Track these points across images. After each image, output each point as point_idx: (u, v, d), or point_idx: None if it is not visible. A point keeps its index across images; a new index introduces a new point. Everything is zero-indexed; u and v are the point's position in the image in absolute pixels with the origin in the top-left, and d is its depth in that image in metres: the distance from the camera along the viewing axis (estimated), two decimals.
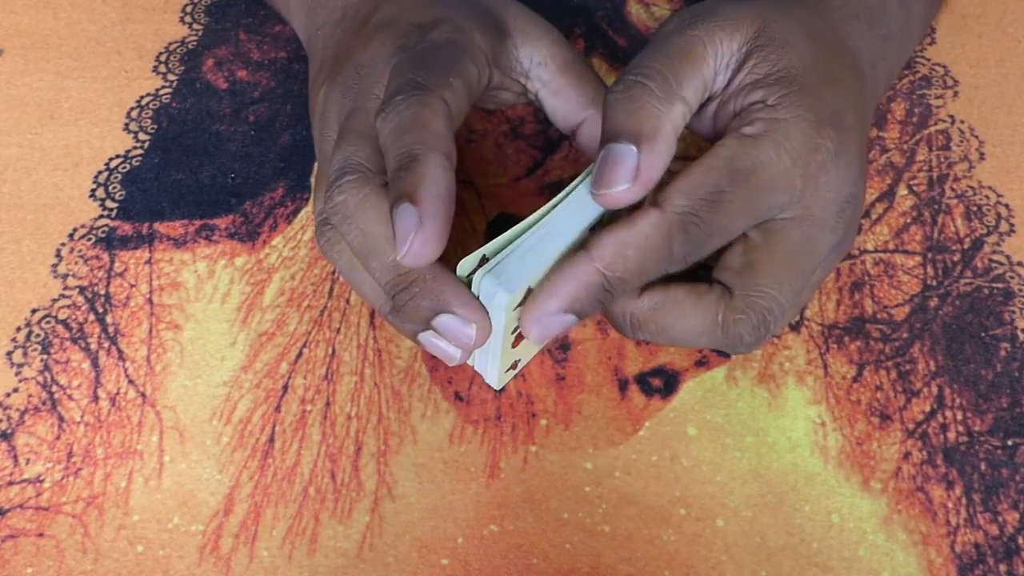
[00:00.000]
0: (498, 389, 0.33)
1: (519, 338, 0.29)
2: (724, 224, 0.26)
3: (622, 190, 0.26)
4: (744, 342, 0.28)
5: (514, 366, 0.31)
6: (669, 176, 0.27)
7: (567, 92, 0.33)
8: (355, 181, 0.27)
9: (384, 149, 0.27)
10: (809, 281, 0.29)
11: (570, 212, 0.27)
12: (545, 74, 0.33)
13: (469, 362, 0.30)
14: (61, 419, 0.33)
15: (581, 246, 0.26)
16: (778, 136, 0.27)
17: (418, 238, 0.25)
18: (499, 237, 0.27)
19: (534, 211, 0.27)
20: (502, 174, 0.39)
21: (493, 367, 0.29)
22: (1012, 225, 0.38)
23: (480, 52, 0.31)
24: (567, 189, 0.28)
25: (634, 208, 0.26)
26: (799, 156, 0.27)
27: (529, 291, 0.27)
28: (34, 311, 0.36)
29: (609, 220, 0.27)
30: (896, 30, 0.34)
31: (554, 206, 0.27)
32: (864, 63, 0.31)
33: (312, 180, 0.40)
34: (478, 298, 0.27)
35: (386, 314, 0.29)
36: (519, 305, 0.27)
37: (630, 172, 0.26)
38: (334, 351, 0.34)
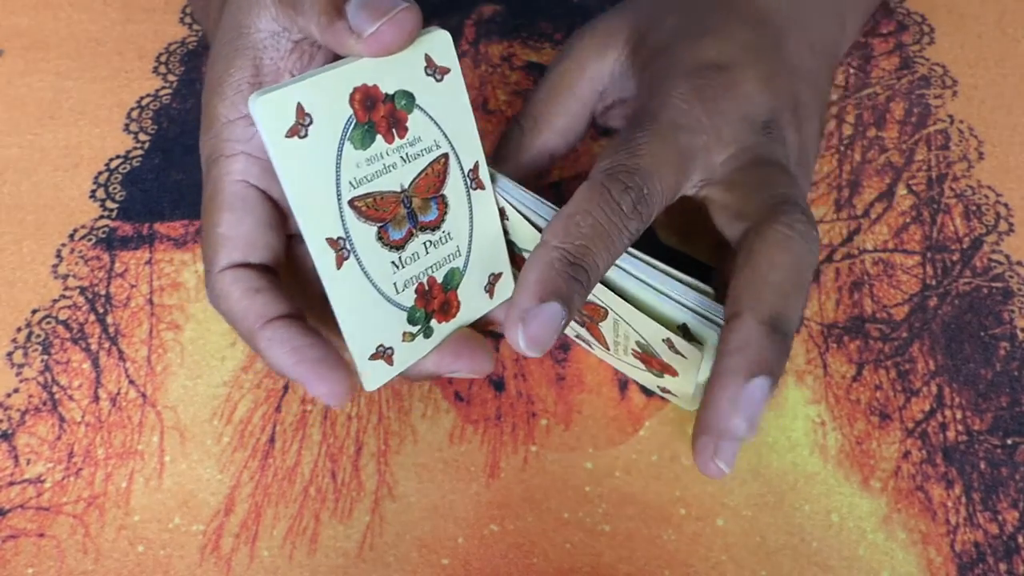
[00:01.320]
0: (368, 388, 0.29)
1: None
2: (649, 165, 0.27)
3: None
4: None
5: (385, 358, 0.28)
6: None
7: None
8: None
9: None
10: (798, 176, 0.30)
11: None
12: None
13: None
14: (62, 419, 0.33)
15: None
16: (664, 86, 0.29)
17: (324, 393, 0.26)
18: None
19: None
20: None
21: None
22: (1011, 224, 0.38)
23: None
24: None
25: None
26: (688, 96, 0.28)
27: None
28: (35, 311, 0.36)
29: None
30: None
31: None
32: (772, 8, 0.33)
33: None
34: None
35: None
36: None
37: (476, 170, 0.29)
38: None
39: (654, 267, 0.27)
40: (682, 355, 0.27)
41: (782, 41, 0.32)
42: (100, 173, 0.40)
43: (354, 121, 0.25)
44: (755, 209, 0.27)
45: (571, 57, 0.33)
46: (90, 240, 0.38)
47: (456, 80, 0.27)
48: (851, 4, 0.38)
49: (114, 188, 0.39)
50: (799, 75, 0.32)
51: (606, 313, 0.28)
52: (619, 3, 0.35)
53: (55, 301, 0.36)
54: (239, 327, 0.28)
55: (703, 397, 0.26)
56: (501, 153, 0.33)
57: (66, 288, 0.36)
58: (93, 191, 0.39)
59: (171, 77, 0.44)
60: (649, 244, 0.37)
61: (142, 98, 0.43)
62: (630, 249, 0.27)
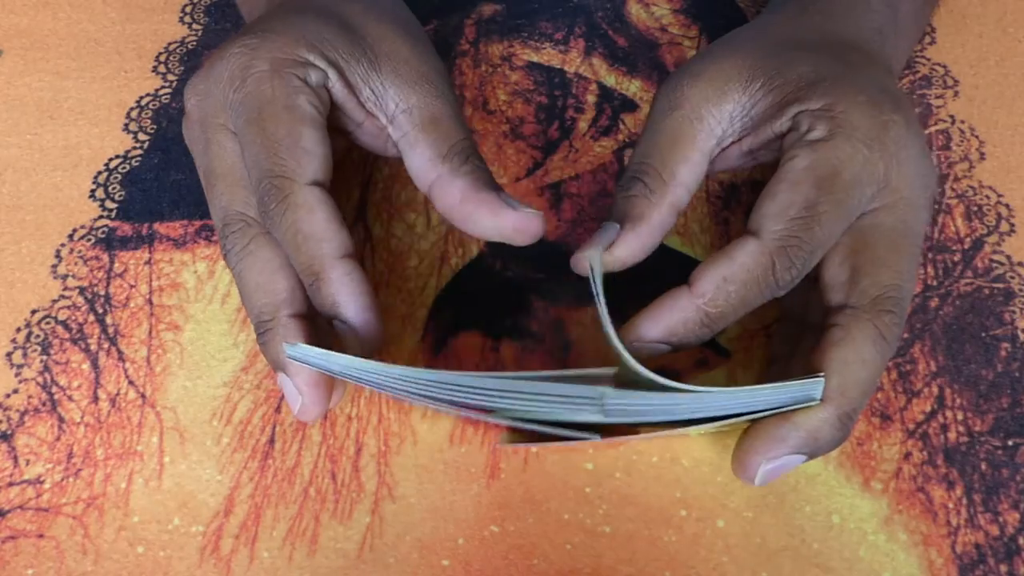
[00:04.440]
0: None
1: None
2: (823, 238, 0.26)
3: (589, 252, 0.28)
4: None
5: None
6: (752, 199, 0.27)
7: (422, 147, 0.30)
8: (237, 233, 0.29)
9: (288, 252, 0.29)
10: (916, 263, 0.28)
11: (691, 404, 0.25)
12: (407, 123, 0.31)
13: None
14: (61, 420, 0.33)
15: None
16: (846, 128, 0.27)
17: (362, 346, 0.28)
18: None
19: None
20: (502, 174, 0.39)
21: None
22: (1012, 225, 0.38)
23: (312, 68, 0.30)
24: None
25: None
26: (873, 141, 0.27)
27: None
28: (34, 312, 0.36)
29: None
30: (886, 27, 0.34)
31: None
32: (864, 48, 0.32)
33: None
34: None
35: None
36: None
37: (604, 241, 0.28)
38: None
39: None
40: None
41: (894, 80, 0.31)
42: (99, 173, 0.40)
43: None
44: (861, 294, 0.27)
45: (684, 106, 0.30)
46: (89, 240, 0.38)
47: None
48: (902, 60, 0.39)
49: (113, 188, 0.39)
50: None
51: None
52: (726, 41, 0.33)
53: (54, 301, 0.36)
54: (308, 250, 0.27)
55: (747, 430, 0.27)
56: (629, 213, 0.29)
57: (65, 288, 0.36)
58: (92, 191, 0.39)
59: (171, 77, 0.44)
60: None
61: (141, 98, 0.43)
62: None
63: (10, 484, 0.31)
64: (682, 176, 0.30)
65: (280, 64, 0.29)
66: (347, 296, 0.28)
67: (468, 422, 0.32)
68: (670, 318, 0.26)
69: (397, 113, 0.31)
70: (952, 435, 0.32)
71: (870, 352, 0.26)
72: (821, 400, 0.26)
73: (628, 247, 0.29)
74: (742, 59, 0.30)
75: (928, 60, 0.44)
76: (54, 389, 0.33)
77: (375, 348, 0.28)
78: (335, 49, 0.30)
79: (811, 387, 0.26)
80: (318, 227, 0.28)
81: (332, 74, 0.30)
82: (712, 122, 0.30)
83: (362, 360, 0.25)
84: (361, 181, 0.39)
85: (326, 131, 0.29)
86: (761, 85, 0.29)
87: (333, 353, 0.26)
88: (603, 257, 0.28)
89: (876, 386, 0.27)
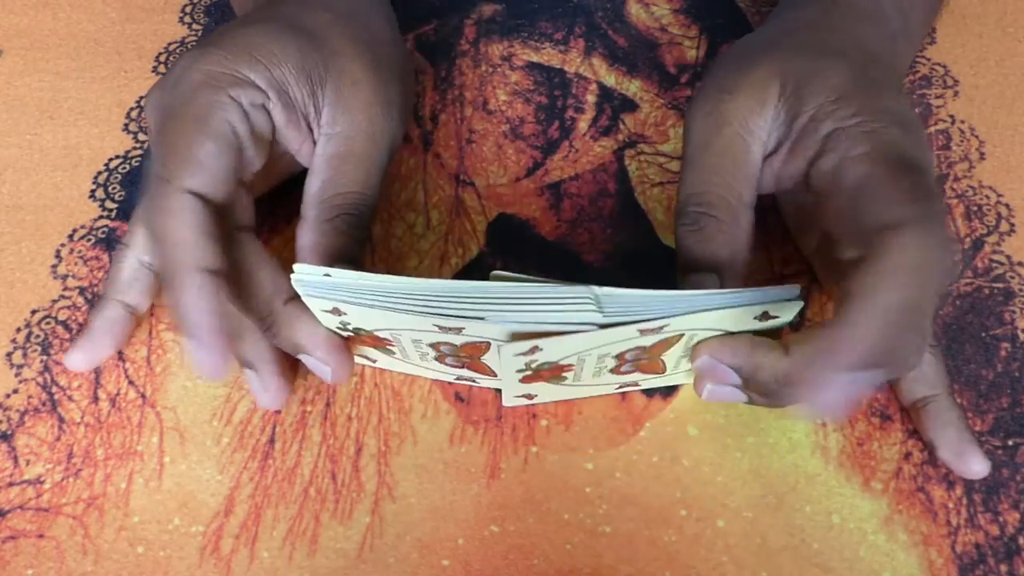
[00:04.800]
0: (506, 405, 0.33)
1: (532, 379, 0.29)
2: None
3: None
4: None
5: (528, 397, 0.32)
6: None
7: (315, 177, 0.31)
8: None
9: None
10: None
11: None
12: (321, 146, 0.31)
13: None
14: (61, 420, 0.33)
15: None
16: (866, 168, 0.26)
17: (205, 366, 0.27)
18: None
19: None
20: (502, 174, 0.39)
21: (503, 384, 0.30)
22: (1012, 225, 0.38)
23: (245, 85, 0.29)
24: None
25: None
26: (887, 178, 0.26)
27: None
28: (34, 312, 0.36)
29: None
30: (898, 32, 0.34)
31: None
32: (883, 59, 0.32)
33: None
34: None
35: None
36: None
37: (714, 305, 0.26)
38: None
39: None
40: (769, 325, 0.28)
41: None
42: (99, 173, 0.40)
43: None
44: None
45: (732, 122, 0.29)
46: (89, 240, 0.38)
47: None
48: (908, 65, 0.39)
49: (113, 188, 0.39)
50: None
51: (678, 338, 0.28)
52: (748, 49, 0.32)
53: (54, 301, 0.36)
54: (165, 252, 0.27)
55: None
56: (707, 251, 0.28)
57: (65, 288, 0.36)
58: (92, 191, 0.39)
59: None
60: (648, 244, 0.37)
61: (141, 98, 0.43)
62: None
63: (10, 484, 0.31)
64: (750, 198, 0.29)
65: (213, 77, 0.29)
66: (193, 309, 0.27)
67: (468, 422, 0.32)
68: (864, 332, 0.24)
69: (320, 133, 0.31)
70: None
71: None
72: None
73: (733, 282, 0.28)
74: (777, 67, 0.29)
75: (928, 60, 0.44)
76: (54, 389, 0.33)
77: (208, 371, 0.28)
78: (282, 65, 0.30)
79: (790, 289, 0.26)
80: (181, 234, 0.27)
81: (272, 95, 0.30)
82: (761, 134, 0.29)
83: (363, 274, 0.26)
84: None
85: (239, 151, 0.29)
86: (793, 91, 0.29)
87: (333, 270, 0.26)
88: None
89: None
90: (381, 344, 0.30)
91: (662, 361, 0.30)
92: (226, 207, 0.28)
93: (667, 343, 0.28)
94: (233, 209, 0.29)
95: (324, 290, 0.27)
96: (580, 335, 0.26)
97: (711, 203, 0.28)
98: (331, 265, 0.29)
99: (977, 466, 0.30)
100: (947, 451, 0.30)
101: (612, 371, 0.30)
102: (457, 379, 0.32)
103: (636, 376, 0.31)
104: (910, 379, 0.31)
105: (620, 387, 0.32)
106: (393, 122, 0.32)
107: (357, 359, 0.32)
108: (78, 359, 0.33)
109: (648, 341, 0.27)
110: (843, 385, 0.24)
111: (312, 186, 0.31)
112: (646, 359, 0.29)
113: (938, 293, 0.25)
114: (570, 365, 0.28)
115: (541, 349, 0.27)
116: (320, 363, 0.30)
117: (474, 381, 0.32)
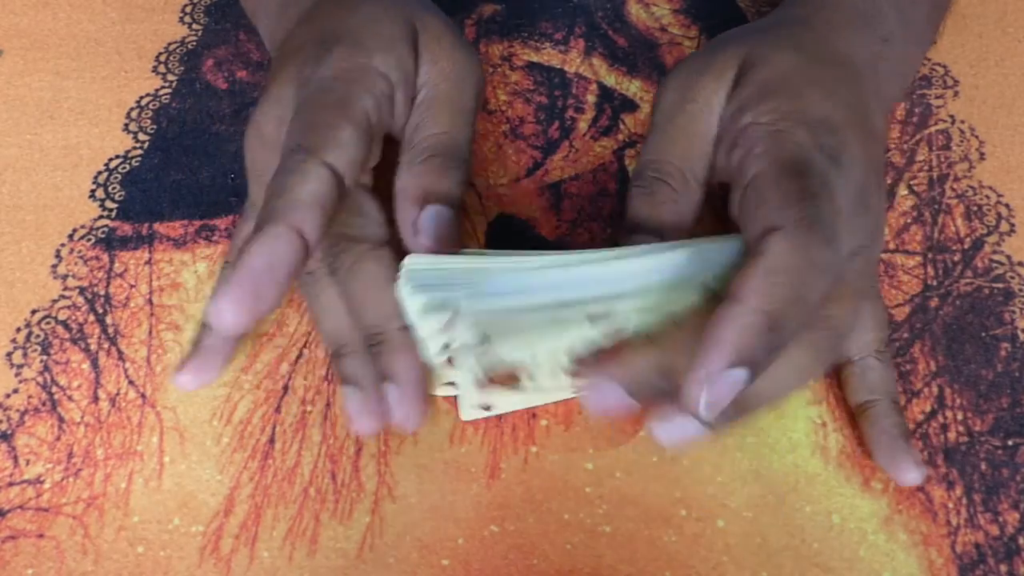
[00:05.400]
0: (464, 419, 0.32)
1: (486, 384, 0.28)
2: (836, 209, 0.25)
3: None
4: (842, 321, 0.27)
5: (485, 408, 0.31)
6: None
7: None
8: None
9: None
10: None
11: (572, 277, 0.26)
12: (418, 97, 0.31)
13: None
14: (61, 420, 0.33)
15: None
16: (787, 136, 0.27)
17: (228, 305, 0.25)
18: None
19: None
20: (502, 174, 0.39)
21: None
22: (1012, 225, 0.38)
23: (377, 76, 0.30)
24: (575, 253, 0.27)
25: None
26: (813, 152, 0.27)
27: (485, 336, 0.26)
28: (34, 312, 0.36)
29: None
30: (895, 32, 0.34)
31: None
32: (861, 65, 0.31)
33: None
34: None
35: (330, 355, 0.32)
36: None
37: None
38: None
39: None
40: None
41: (870, 104, 0.30)
42: (99, 173, 0.40)
43: None
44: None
45: (695, 99, 0.30)
46: (89, 240, 0.38)
47: None
48: (913, 65, 0.38)
49: (113, 188, 0.39)
50: (880, 141, 0.30)
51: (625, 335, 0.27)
52: (729, 35, 0.33)
53: (54, 301, 0.36)
54: (278, 205, 0.26)
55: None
56: (662, 219, 0.29)
57: (65, 288, 0.36)
58: (92, 191, 0.39)
59: (171, 77, 0.44)
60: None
61: (141, 98, 0.43)
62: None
63: (10, 484, 0.31)
64: (703, 175, 0.30)
65: (355, 68, 0.29)
66: (259, 254, 0.26)
67: (468, 421, 0.32)
68: (731, 335, 0.24)
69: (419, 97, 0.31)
70: (952, 435, 0.32)
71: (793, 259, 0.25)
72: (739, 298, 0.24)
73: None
74: (740, 52, 0.30)
75: (928, 60, 0.44)
76: (54, 389, 0.33)
77: (226, 320, 0.26)
78: (402, 52, 0.30)
79: (730, 243, 0.26)
80: (303, 191, 0.26)
81: (400, 86, 0.30)
82: (720, 113, 0.30)
83: (482, 255, 0.26)
84: None
85: (371, 139, 0.29)
86: (743, 74, 0.30)
87: (443, 256, 0.27)
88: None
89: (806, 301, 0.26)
90: (511, 383, 0.28)
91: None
92: (349, 201, 0.29)
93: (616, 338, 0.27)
94: (360, 211, 0.30)
95: (437, 285, 0.26)
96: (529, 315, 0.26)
97: (668, 172, 0.29)
98: (429, 203, 0.29)
99: (909, 474, 0.30)
100: (882, 457, 0.31)
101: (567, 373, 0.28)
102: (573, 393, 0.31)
103: None
104: (855, 383, 0.32)
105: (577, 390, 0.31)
106: (475, 66, 0.32)
107: (469, 413, 0.32)
108: (188, 379, 0.32)
109: (597, 333, 0.26)
110: (716, 386, 0.24)
111: (404, 136, 0.31)
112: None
113: (820, 294, 0.25)
114: (524, 366, 0.27)
115: (489, 336, 0.26)
116: (398, 402, 0.30)
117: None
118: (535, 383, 0.28)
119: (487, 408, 0.31)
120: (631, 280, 0.26)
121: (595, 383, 0.26)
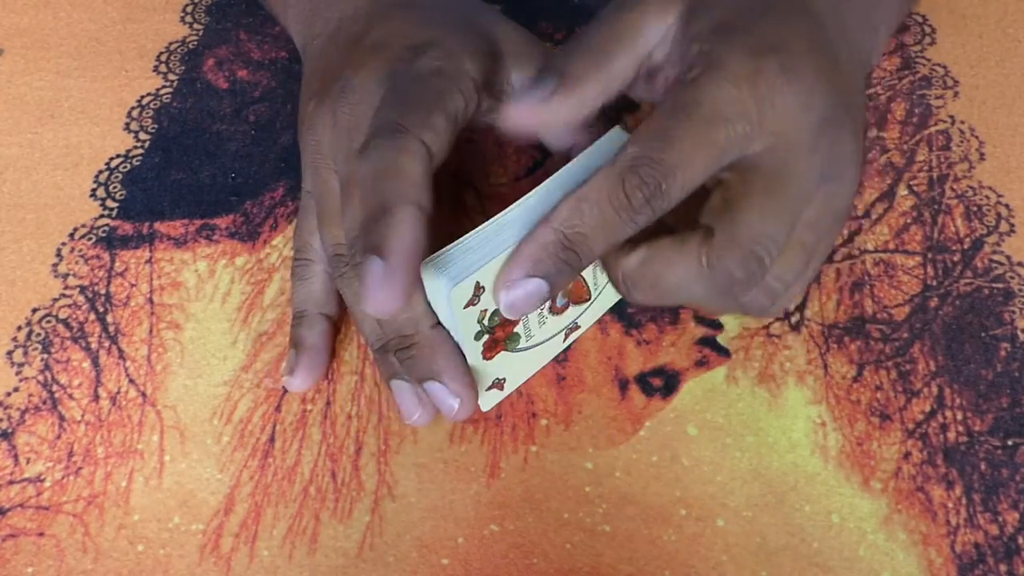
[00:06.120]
0: (484, 409, 0.32)
1: (492, 347, 0.30)
2: (678, 161, 0.26)
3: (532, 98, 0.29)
4: (738, 280, 0.27)
5: (499, 386, 0.32)
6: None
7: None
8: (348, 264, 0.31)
9: (361, 191, 0.28)
10: (802, 215, 0.28)
11: (526, 210, 0.28)
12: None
13: None
14: (61, 418, 0.33)
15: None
16: (714, 71, 0.27)
17: (382, 291, 0.26)
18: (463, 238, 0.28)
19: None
20: (502, 174, 0.39)
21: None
22: (1012, 225, 0.38)
23: (468, 79, 0.31)
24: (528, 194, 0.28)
25: None
26: (741, 80, 0.27)
27: (481, 288, 0.27)
28: (35, 310, 0.36)
29: None
30: None
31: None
32: (821, 6, 0.31)
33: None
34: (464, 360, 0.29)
35: (375, 351, 0.32)
36: (469, 305, 0.27)
37: (540, 95, 0.29)
38: (334, 351, 0.34)
39: None
40: None
41: (832, 40, 0.30)
42: (100, 172, 0.40)
43: None
44: (729, 223, 0.27)
45: (634, 9, 0.30)
46: (90, 239, 0.38)
47: None
48: (885, 17, 0.38)
49: (114, 187, 0.39)
50: (846, 76, 0.30)
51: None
52: None
53: (55, 300, 0.36)
54: (387, 183, 0.27)
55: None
56: (567, 71, 0.29)
57: (66, 287, 0.36)
58: (93, 190, 0.39)
59: (171, 76, 0.44)
60: None
61: (142, 97, 0.43)
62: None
63: (10, 482, 0.31)
64: (619, 67, 0.30)
65: (450, 68, 0.31)
66: (399, 237, 0.27)
67: (468, 421, 0.32)
68: (531, 248, 0.26)
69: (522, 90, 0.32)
70: (952, 435, 0.32)
71: (687, 267, 0.27)
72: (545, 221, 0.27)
73: (565, 103, 0.29)
74: None
75: (928, 60, 0.44)
76: (55, 387, 0.33)
77: (382, 303, 0.27)
78: (480, 52, 0.32)
79: (613, 136, 0.29)
80: (412, 169, 0.28)
81: (480, 84, 0.31)
82: (650, 33, 0.30)
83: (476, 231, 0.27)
84: None
85: (454, 136, 0.30)
86: (693, 10, 0.29)
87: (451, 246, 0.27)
88: (537, 107, 0.29)
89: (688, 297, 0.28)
90: (509, 331, 0.30)
91: (583, 279, 0.30)
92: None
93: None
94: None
95: (456, 264, 0.27)
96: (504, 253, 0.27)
97: (588, 47, 0.30)
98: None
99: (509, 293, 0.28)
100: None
101: (552, 311, 0.30)
102: (564, 342, 0.33)
103: (572, 312, 0.31)
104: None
105: (567, 334, 0.32)
106: (473, 36, 0.33)
107: (486, 400, 0.32)
108: (301, 380, 0.33)
109: None
110: (513, 291, 0.27)
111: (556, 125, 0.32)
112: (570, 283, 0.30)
113: (625, 233, 0.27)
114: (516, 320, 0.29)
115: (483, 287, 0.27)
116: (450, 395, 0.30)
117: (578, 327, 0.33)
118: (527, 331, 0.30)
119: (500, 387, 0.32)
120: (561, 192, 0.27)
121: (513, 281, 0.27)
